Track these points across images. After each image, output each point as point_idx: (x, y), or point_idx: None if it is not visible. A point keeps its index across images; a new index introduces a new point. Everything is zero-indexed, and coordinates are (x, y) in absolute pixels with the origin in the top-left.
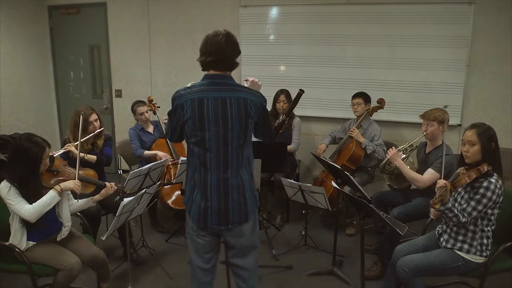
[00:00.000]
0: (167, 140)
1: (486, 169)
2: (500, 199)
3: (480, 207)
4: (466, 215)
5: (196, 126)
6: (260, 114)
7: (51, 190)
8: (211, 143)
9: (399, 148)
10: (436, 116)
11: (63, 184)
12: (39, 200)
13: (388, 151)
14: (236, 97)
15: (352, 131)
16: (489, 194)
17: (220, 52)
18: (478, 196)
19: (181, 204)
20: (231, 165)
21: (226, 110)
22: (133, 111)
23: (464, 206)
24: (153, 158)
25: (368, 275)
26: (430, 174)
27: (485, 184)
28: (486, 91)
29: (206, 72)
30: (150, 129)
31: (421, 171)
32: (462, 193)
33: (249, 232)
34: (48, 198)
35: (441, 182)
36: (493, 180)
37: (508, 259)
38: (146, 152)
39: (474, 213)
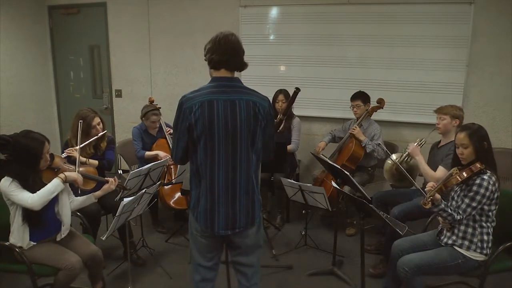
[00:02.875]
0: (168, 140)
1: (478, 168)
2: (495, 195)
3: (474, 204)
4: (460, 212)
5: (205, 128)
6: (267, 119)
7: (55, 178)
8: (220, 146)
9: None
10: (448, 110)
11: (67, 173)
12: (43, 188)
13: (409, 145)
14: (245, 99)
15: (353, 129)
16: (482, 191)
17: (234, 51)
18: (471, 194)
19: (182, 204)
20: (239, 168)
21: (235, 112)
22: (146, 116)
23: (459, 203)
24: (155, 159)
25: (374, 273)
26: (441, 171)
27: (477, 181)
28: (486, 91)
29: (214, 72)
30: (154, 132)
31: (430, 163)
32: (458, 191)
33: (254, 233)
34: (52, 186)
35: (430, 184)
36: (486, 177)
37: (508, 259)
38: (147, 153)
39: (469, 210)
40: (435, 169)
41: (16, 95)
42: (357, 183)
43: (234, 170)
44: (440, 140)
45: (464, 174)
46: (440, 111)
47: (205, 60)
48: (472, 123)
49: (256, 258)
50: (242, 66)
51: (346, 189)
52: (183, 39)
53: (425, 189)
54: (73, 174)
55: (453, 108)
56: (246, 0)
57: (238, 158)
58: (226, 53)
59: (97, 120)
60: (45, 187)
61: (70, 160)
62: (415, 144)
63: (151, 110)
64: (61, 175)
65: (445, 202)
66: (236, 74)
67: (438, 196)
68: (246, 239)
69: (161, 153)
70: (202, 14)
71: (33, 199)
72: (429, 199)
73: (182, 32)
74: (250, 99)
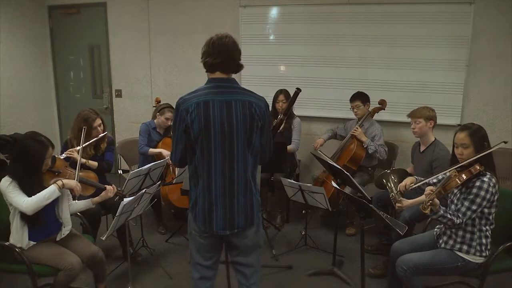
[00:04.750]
0: None
1: (478, 169)
2: (495, 198)
3: (474, 207)
4: (460, 215)
5: (202, 129)
6: (264, 119)
7: (52, 185)
8: (216, 146)
9: (395, 193)
10: (422, 113)
11: (66, 181)
12: (38, 193)
13: (397, 206)
14: (241, 100)
15: (355, 129)
16: (482, 193)
17: (228, 54)
18: (471, 196)
19: (184, 203)
20: (237, 168)
21: (231, 113)
22: (161, 112)
23: (459, 206)
24: (158, 156)
25: (374, 274)
26: None
27: (477, 183)
28: (486, 91)
29: (209, 75)
30: (162, 130)
31: (417, 169)
32: (458, 194)
33: (253, 234)
34: (48, 192)
35: (429, 189)
36: (486, 179)
37: (507, 259)
38: (151, 150)
39: (469, 213)
40: (421, 174)
41: (16, 95)
42: (357, 184)
43: (231, 171)
44: (420, 143)
45: (464, 176)
46: (413, 115)
47: (201, 62)
48: (471, 123)
49: (256, 258)
50: (237, 68)
51: (347, 189)
52: (183, 39)
53: (424, 193)
54: (72, 182)
55: (425, 110)
56: (246, 0)
57: (235, 159)
58: (220, 56)
59: (98, 121)
60: (41, 192)
61: (70, 161)
62: (395, 191)
63: (167, 107)
64: (59, 182)
65: (444, 208)
66: (236, 74)
67: (436, 201)
68: (245, 240)
69: (165, 152)
70: (202, 14)
71: (27, 203)
72: (428, 203)
73: (182, 32)
74: (246, 99)
